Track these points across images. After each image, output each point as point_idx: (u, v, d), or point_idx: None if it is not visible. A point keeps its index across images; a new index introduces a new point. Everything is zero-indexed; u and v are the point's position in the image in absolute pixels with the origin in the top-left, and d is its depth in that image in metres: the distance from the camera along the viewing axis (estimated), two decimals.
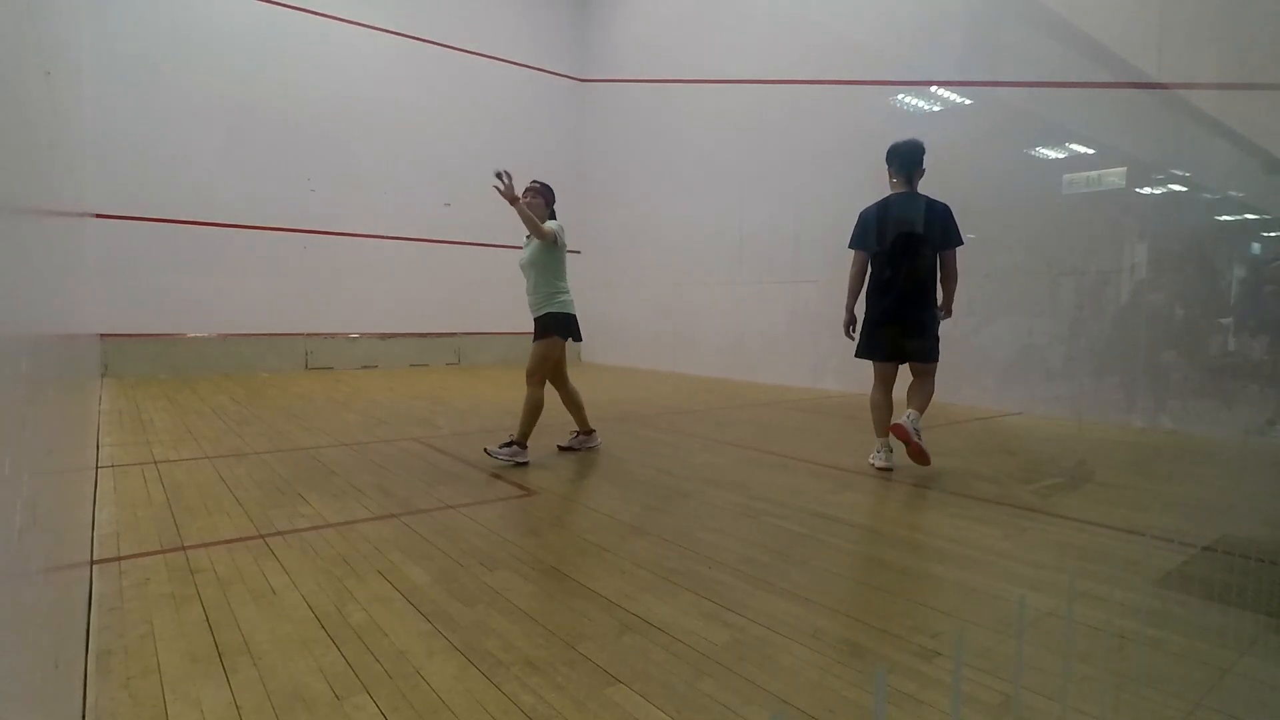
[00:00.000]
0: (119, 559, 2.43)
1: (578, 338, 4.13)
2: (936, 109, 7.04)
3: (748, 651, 1.81)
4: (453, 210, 10.47)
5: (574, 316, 4.11)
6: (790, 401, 6.94)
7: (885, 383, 4.03)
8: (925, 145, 3.91)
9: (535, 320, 4.06)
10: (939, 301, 3.92)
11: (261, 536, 2.67)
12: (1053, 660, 1.79)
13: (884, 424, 3.97)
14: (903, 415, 3.79)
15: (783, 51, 8.38)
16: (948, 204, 3.84)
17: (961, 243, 3.83)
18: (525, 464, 3.92)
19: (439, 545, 2.60)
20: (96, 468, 3.72)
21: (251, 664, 1.72)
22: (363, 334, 9.61)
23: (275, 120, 8.98)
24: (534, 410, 3.97)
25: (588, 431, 4.39)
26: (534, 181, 4.17)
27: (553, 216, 4.16)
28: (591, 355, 11.85)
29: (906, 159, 3.86)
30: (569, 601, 2.12)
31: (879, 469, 3.97)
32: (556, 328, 4.00)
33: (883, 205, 3.92)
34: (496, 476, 3.69)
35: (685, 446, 4.61)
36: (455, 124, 10.44)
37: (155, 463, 3.86)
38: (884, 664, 1.77)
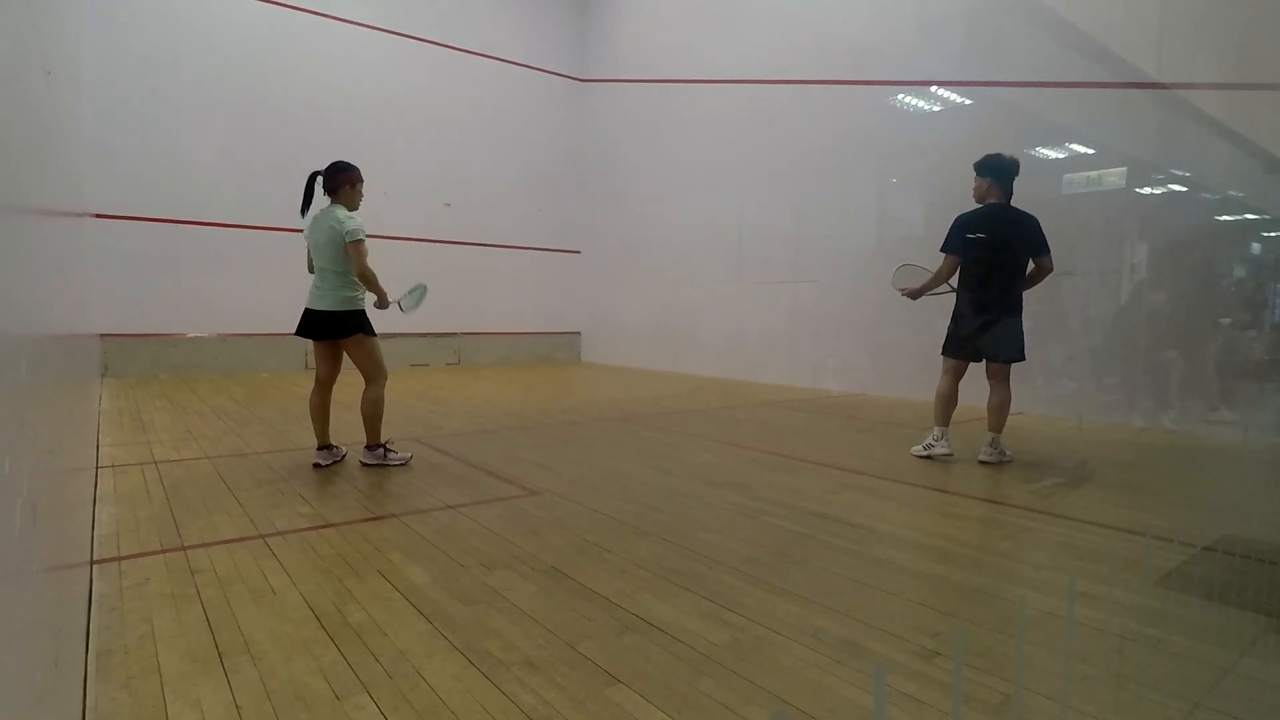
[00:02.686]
0: (119, 559, 2.43)
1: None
2: (936, 109, 7.04)
3: (748, 651, 1.81)
4: (453, 210, 10.47)
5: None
6: (790, 401, 6.94)
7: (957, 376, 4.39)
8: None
9: (348, 315, 3.71)
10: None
11: (261, 536, 2.67)
12: (1053, 660, 1.79)
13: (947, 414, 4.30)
14: (983, 448, 4.16)
15: (783, 51, 8.38)
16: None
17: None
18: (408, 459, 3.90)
19: (439, 545, 2.60)
20: (96, 468, 3.72)
21: (251, 664, 1.72)
22: None
23: (275, 120, 8.98)
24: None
25: (332, 446, 3.94)
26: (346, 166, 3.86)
27: (303, 207, 3.80)
28: (591, 355, 11.85)
29: (1012, 173, 4.17)
30: (569, 601, 2.11)
31: (938, 456, 4.22)
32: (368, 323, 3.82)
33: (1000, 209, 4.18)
34: (496, 476, 3.69)
35: (685, 446, 4.61)
36: (455, 124, 10.43)
37: (155, 463, 3.86)
38: (884, 664, 1.77)
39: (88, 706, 1.54)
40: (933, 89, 6.97)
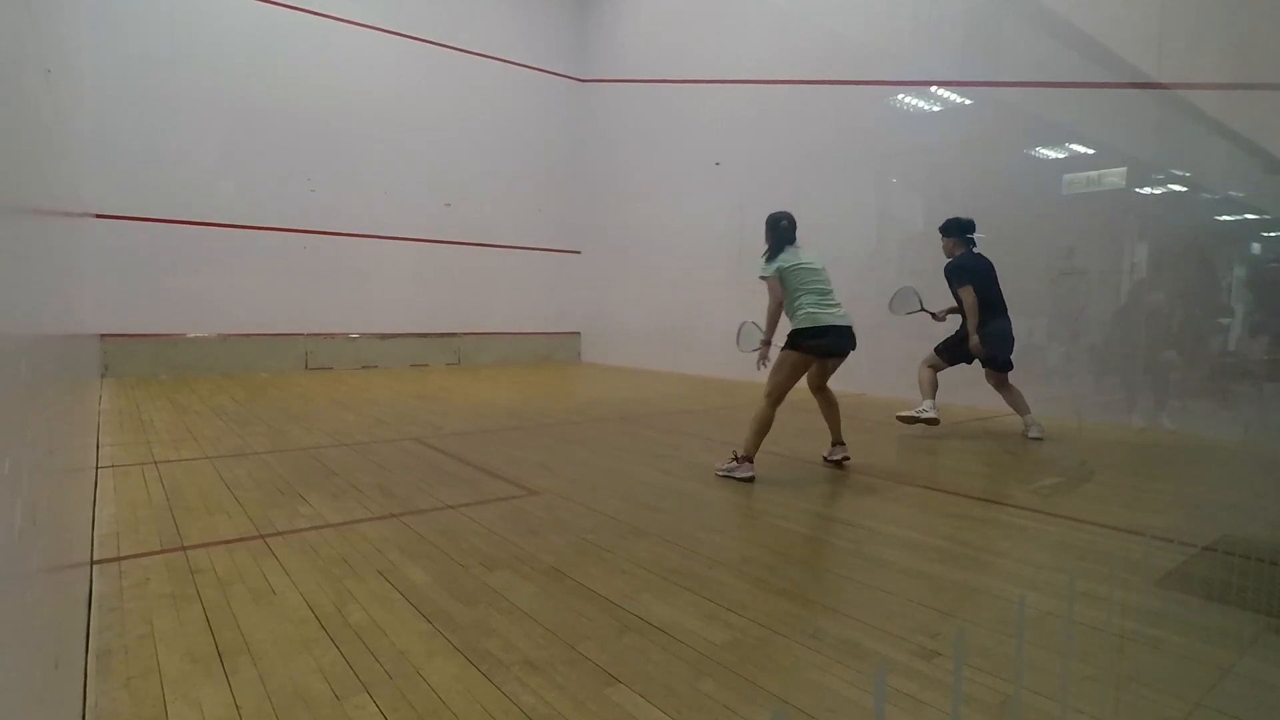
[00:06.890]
0: (119, 559, 2.43)
1: (818, 352, 4.02)
2: (936, 109, 7.04)
3: (748, 651, 1.81)
4: (453, 210, 10.47)
5: (806, 328, 3.95)
6: (790, 401, 6.92)
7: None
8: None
9: None
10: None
11: (261, 536, 2.67)
12: (1053, 660, 1.79)
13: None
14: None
15: (783, 51, 8.37)
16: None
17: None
18: (750, 478, 3.66)
19: (439, 545, 2.60)
20: (96, 468, 3.72)
21: (251, 664, 1.72)
22: (363, 334, 9.61)
23: (275, 120, 8.98)
24: (761, 426, 3.88)
25: (837, 442, 4.21)
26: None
27: (774, 249, 4.31)
28: (592, 355, 11.85)
29: (970, 229, 5.08)
30: (569, 601, 2.11)
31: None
32: (787, 343, 4.04)
33: (978, 258, 5.07)
34: (496, 476, 3.69)
35: (685, 446, 4.61)
36: (456, 124, 10.44)
37: (155, 463, 3.86)
38: (884, 664, 1.77)
39: (88, 706, 1.54)
40: (933, 89, 6.97)
